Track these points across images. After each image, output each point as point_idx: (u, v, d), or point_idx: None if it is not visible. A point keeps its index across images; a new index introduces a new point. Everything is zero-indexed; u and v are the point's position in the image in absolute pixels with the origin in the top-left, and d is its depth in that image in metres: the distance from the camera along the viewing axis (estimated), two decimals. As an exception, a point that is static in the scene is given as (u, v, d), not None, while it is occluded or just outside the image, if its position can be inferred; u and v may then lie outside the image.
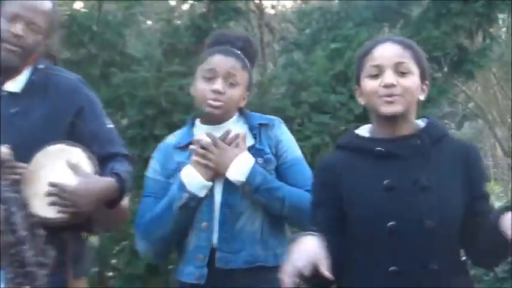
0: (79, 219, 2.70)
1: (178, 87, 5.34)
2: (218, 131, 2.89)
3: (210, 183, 2.84)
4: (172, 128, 4.96)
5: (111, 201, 2.84)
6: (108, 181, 2.83)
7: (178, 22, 6.01)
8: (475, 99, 10.87)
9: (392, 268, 2.35)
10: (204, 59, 2.84)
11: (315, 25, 6.20)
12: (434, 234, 2.34)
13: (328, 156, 2.68)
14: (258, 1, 6.97)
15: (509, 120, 10.63)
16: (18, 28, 2.91)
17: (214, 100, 2.81)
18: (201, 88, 2.76)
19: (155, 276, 5.53)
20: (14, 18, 2.94)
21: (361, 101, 2.45)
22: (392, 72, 2.34)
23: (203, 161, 2.81)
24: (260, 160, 2.90)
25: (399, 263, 2.36)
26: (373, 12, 6.02)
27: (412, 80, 2.37)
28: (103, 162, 2.91)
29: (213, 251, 2.88)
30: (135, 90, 5.37)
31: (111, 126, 3.08)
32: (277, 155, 2.96)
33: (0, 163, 2.65)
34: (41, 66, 3.01)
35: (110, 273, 5.42)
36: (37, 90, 2.98)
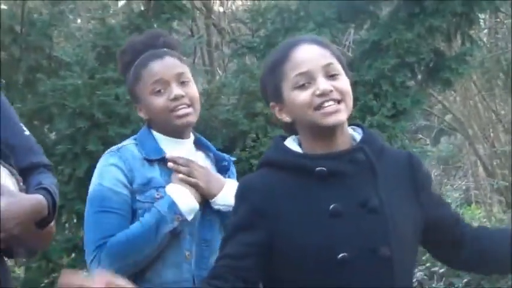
0: (7, 245, 2.74)
1: (114, 96, 5.45)
2: (183, 145, 2.98)
3: (198, 206, 2.95)
4: (107, 143, 5.15)
5: (41, 220, 2.84)
6: (37, 198, 2.85)
7: (113, 21, 6.13)
8: (453, 111, 10.95)
9: None
10: (140, 75, 2.90)
11: (271, 26, 6.25)
12: (391, 262, 2.38)
13: (256, 176, 2.56)
14: None
15: (492, 135, 10.74)
16: None
17: (181, 108, 2.87)
18: (158, 103, 2.81)
19: None
20: None
21: (285, 117, 2.40)
22: (324, 77, 2.35)
23: (193, 181, 2.91)
24: None
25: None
26: (337, 11, 6.01)
27: (345, 80, 2.38)
28: (24, 174, 2.95)
29: None
30: (65, 99, 5.47)
31: (28, 133, 3.11)
32: None
33: None
34: None
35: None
36: None
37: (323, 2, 5.98)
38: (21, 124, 3.10)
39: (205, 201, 2.91)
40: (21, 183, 2.85)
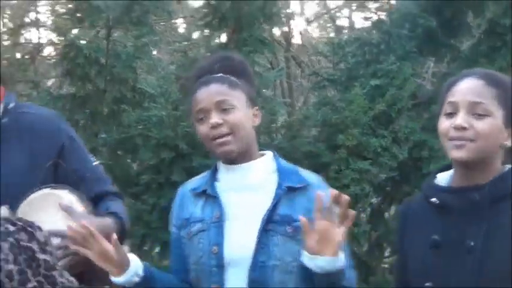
0: (81, 267, 2.77)
1: None
2: (239, 173, 2.93)
3: None
4: (191, 173, 5.22)
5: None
6: (107, 222, 2.95)
7: (195, 53, 6.30)
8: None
9: None
10: (190, 102, 2.93)
11: (352, 59, 6.20)
12: None
13: (407, 200, 2.77)
14: (285, 30, 7.17)
15: None
16: None
17: (219, 137, 2.83)
18: (201, 132, 2.81)
19: None
20: None
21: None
22: (465, 113, 2.36)
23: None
24: (288, 229, 2.93)
25: None
26: (417, 44, 5.97)
27: (490, 123, 2.36)
28: (94, 201, 3.05)
29: None
30: (149, 130, 5.52)
31: (96, 163, 3.24)
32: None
33: None
34: (10, 105, 3.17)
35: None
36: (11, 135, 3.13)
37: (404, 36, 5.93)
38: (89, 155, 3.23)
39: None
40: (90, 208, 2.93)
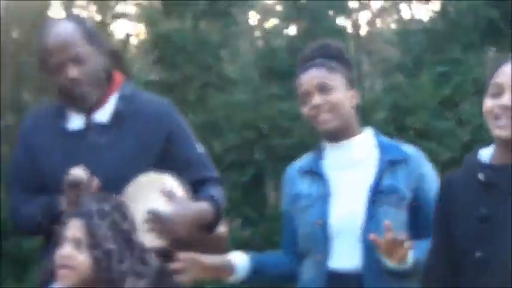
0: (177, 246, 2.96)
1: (278, 110, 5.86)
2: (343, 150, 3.05)
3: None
4: (271, 152, 5.68)
5: (207, 226, 3.12)
6: (203, 206, 3.09)
7: (276, 44, 6.60)
8: None
9: None
10: (296, 87, 3.07)
11: (418, 47, 6.51)
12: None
13: (448, 174, 2.72)
14: (355, 19, 7.39)
15: None
16: (70, 72, 3.21)
17: (321, 115, 2.98)
18: (305, 112, 2.98)
19: None
20: (59, 66, 3.26)
21: None
22: (511, 94, 2.39)
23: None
24: (394, 199, 3.04)
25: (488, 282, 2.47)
26: (480, 34, 6.16)
27: None
28: (196, 186, 3.16)
29: None
30: (233, 113, 5.87)
31: (201, 149, 3.34)
32: (415, 191, 3.09)
33: (76, 185, 2.96)
34: (127, 92, 3.30)
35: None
36: (125, 119, 3.26)
37: (467, 26, 6.13)
38: (195, 142, 3.33)
39: None
40: (189, 193, 3.06)
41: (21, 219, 3.48)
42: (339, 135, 3.00)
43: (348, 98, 2.99)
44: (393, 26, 9.19)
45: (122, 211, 2.81)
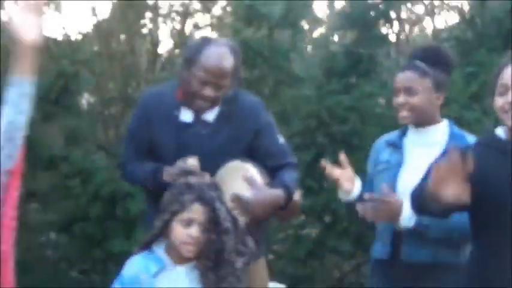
0: (257, 222, 3.15)
1: (336, 103, 6.22)
2: (422, 133, 3.33)
3: None
4: (330, 137, 6.17)
5: (280, 207, 3.24)
6: (278, 193, 3.23)
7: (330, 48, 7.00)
8: None
9: None
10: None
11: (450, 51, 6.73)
12: None
13: (475, 143, 2.88)
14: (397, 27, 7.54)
15: None
16: (208, 91, 3.35)
17: (401, 112, 3.26)
18: (394, 103, 3.21)
19: (314, 260, 6.37)
20: (204, 83, 3.35)
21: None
22: None
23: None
24: None
25: None
26: (503, 40, 6.33)
27: None
28: (275, 171, 3.36)
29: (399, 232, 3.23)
30: (299, 105, 6.27)
31: (283, 141, 3.54)
32: None
33: (188, 173, 3.01)
34: (230, 94, 3.43)
35: (271, 257, 6.12)
36: (225, 117, 3.45)
37: (493, 33, 6.33)
38: (278, 134, 3.54)
39: None
40: (267, 179, 3.21)
41: (127, 173, 3.73)
42: (417, 124, 3.30)
43: (430, 100, 3.22)
44: (429, 33, 9.37)
45: (221, 198, 2.92)
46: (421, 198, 2.78)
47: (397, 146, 3.37)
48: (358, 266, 6.69)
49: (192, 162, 3.10)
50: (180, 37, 8.99)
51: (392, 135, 3.46)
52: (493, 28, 6.50)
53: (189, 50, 3.48)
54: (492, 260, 2.76)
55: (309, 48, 8.03)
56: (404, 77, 3.19)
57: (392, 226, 3.21)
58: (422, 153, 3.22)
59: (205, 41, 3.46)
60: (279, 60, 6.44)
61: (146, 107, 3.57)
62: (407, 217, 3.12)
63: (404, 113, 3.20)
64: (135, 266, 2.95)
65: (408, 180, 3.16)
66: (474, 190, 2.65)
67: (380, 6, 6.89)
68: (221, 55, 3.32)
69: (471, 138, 3.19)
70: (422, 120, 3.25)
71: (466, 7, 7.07)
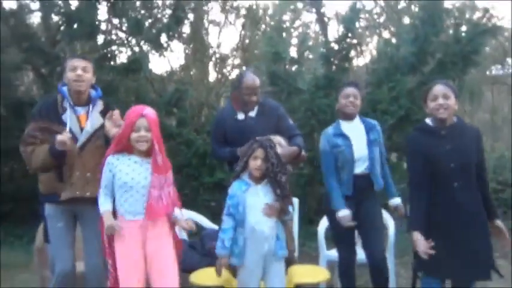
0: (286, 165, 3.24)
1: (321, 103, 6.99)
2: (351, 124, 3.75)
3: None
4: (318, 121, 6.91)
5: (296, 157, 3.66)
6: (294, 149, 3.66)
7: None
8: None
9: (455, 184, 2.99)
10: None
11: None
12: (469, 168, 3.01)
13: (412, 135, 3.15)
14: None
15: None
16: (252, 98, 3.83)
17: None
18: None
19: (309, 186, 6.99)
20: (249, 94, 3.77)
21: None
22: (442, 99, 3.01)
23: None
24: (376, 145, 3.68)
25: (458, 181, 3.01)
26: (409, 68, 7.03)
27: (452, 101, 3.02)
28: (291, 138, 3.74)
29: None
30: (301, 104, 7.08)
31: (292, 123, 3.93)
32: (378, 139, 3.71)
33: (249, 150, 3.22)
34: (261, 100, 3.85)
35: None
36: (260, 113, 3.83)
37: None
38: (290, 119, 3.94)
39: None
40: (287, 142, 3.60)
41: (215, 153, 4.10)
42: (347, 118, 3.73)
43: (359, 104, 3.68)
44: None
45: (274, 147, 3.18)
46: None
47: (342, 134, 3.76)
48: None
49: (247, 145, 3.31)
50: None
51: (332, 129, 3.80)
52: (403, 62, 7.16)
53: (236, 79, 4.01)
54: (438, 201, 3.07)
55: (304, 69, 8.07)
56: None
57: (352, 173, 3.71)
58: (356, 134, 3.76)
59: (241, 73, 3.97)
60: (290, 81, 7.35)
61: (219, 117, 4.06)
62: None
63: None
64: (234, 187, 3.25)
65: (360, 149, 3.72)
66: (426, 161, 3.03)
67: (343, 42, 7.29)
68: (254, 78, 3.84)
69: (373, 122, 3.78)
70: (349, 116, 3.76)
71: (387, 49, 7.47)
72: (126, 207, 3.12)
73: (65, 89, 3.40)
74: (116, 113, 3.34)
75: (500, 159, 8.15)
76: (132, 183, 3.08)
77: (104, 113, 3.41)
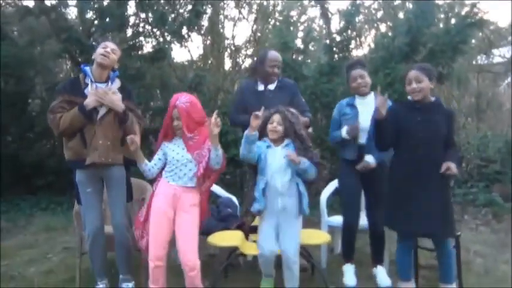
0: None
1: (324, 87, 6.97)
2: (364, 99, 3.65)
3: None
4: (321, 103, 6.97)
5: (307, 127, 3.55)
6: (306, 119, 3.77)
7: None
8: None
9: (420, 151, 3.06)
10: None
11: None
12: (435, 139, 3.07)
13: (392, 105, 3.23)
14: None
15: None
16: (275, 70, 3.82)
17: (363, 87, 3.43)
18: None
19: None
20: (273, 67, 3.76)
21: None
22: (415, 82, 3.07)
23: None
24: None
25: (423, 149, 3.05)
26: (403, 57, 6.85)
27: (425, 84, 3.08)
28: (302, 112, 3.70)
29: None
30: (307, 88, 6.94)
31: (303, 100, 4.00)
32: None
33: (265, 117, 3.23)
34: (280, 79, 3.89)
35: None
36: (278, 88, 3.91)
37: None
38: (302, 98, 3.95)
39: None
40: (297, 113, 3.38)
41: (234, 121, 4.07)
42: (363, 95, 3.61)
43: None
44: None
45: (293, 112, 3.27)
46: (374, 128, 3.21)
47: (353, 105, 3.74)
48: (333, 165, 6.43)
49: (262, 112, 3.28)
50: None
51: (346, 100, 3.79)
52: (397, 51, 7.03)
53: (261, 54, 4.03)
54: (404, 162, 3.20)
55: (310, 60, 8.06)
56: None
57: (358, 144, 3.67)
58: (365, 109, 3.67)
59: (266, 50, 4.10)
60: (297, 69, 7.28)
61: (242, 88, 4.10)
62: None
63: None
64: (260, 144, 3.31)
65: (363, 120, 3.64)
66: (399, 127, 3.12)
67: (344, 34, 7.18)
68: (277, 53, 3.97)
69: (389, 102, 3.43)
70: (366, 93, 3.68)
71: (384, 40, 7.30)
72: (169, 174, 3.37)
73: (87, 68, 3.44)
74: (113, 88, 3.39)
75: (484, 138, 8.12)
76: (178, 157, 3.34)
77: (120, 90, 3.46)
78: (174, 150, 3.36)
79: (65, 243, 5.09)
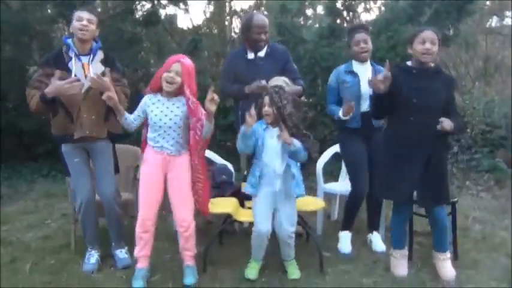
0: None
1: (324, 51, 6.79)
2: (362, 65, 3.61)
3: None
4: (321, 68, 6.78)
5: (299, 94, 3.53)
6: (299, 88, 3.69)
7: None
8: None
9: (411, 118, 2.99)
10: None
11: None
12: (430, 107, 2.97)
13: (395, 69, 3.06)
14: None
15: None
16: (262, 36, 3.67)
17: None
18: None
19: (312, 127, 6.91)
20: (259, 33, 3.61)
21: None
22: (428, 42, 2.96)
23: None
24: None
25: (416, 116, 2.99)
26: (407, 19, 6.70)
27: (436, 48, 2.98)
28: (293, 80, 3.63)
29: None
30: (306, 53, 6.85)
31: (296, 67, 3.85)
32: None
33: (261, 88, 3.29)
34: (270, 44, 3.76)
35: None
36: (270, 55, 3.78)
37: None
38: (294, 63, 3.81)
39: None
40: (292, 82, 3.42)
41: (225, 90, 3.93)
42: (362, 61, 3.59)
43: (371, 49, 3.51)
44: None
45: (280, 91, 3.15)
46: (372, 97, 3.20)
47: (353, 72, 3.70)
48: (333, 131, 6.73)
49: (263, 83, 3.41)
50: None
51: (343, 66, 3.74)
52: (402, 13, 6.88)
53: (246, 19, 3.84)
54: (396, 128, 3.16)
55: (311, 22, 8.15)
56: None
57: (359, 111, 3.65)
58: (364, 75, 3.66)
59: (251, 14, 3.88)
60: (296, 32, 7.17)
61: (231, 57, 4.00)
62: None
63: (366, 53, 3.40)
64: (255, 126, 3.23)
65: (364, 87, 3.62)
66: (393, 91, 3.01)
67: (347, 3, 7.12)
68: (260, 16, 3.80)
69: (382, 68, 3.35)
70: (363, 59, 3.69)
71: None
72: (153, 142, 3.25)
73: (69, 40, 3.39)
74: (107, 70, 3.35)
75: (490, 103, 7.94)
76: (160, 123, 3.18)
77: (103, 62, 3.41)
78: (156, 113, 3.22)
79: (64, 210, 5.11)
